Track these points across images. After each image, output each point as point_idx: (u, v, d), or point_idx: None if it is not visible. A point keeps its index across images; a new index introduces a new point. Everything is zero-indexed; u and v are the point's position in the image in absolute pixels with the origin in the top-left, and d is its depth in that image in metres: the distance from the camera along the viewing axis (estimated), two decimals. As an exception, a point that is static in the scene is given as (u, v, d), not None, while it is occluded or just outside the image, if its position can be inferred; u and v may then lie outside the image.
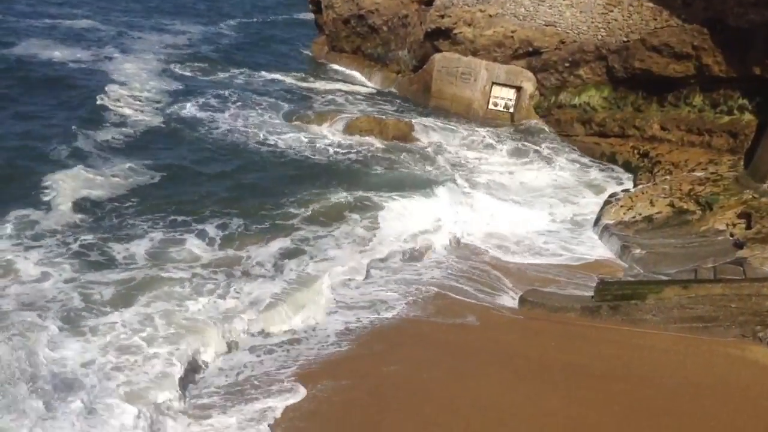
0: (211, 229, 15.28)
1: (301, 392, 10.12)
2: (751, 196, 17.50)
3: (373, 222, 16.79)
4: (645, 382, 10.82)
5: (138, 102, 25.56)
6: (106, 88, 26.05)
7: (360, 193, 18.41)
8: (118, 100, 25.07)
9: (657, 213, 18.51)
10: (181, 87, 28.81)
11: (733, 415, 9.98)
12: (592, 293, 13.89)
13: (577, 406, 9.99)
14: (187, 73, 31.97)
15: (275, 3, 63.84)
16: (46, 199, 15.83)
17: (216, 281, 13.04)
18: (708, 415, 9.95)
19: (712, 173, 19.93)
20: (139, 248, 14.02)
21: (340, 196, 17.97)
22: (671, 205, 18.63)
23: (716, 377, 11.16)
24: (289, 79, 32.63)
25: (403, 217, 17.40)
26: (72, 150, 19.23)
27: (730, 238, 16.20)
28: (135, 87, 27.46)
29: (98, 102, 24.27)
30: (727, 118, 21.52)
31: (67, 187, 16.46)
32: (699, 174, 20.17)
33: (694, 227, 17.43)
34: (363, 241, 15.82)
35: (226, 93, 27.90)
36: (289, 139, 23.27)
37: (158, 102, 26.07)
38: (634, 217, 18.69)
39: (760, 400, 10.44)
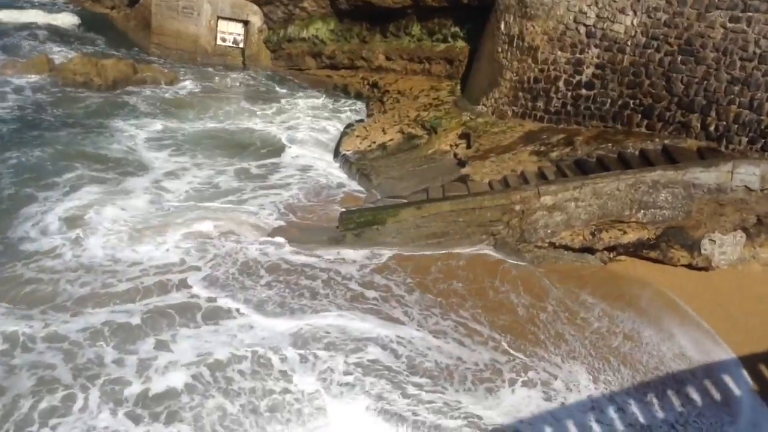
0: None
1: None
2: (468, 118, 19.00)
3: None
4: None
5: None
6: None
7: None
8: None
9: (389, 140, 19.33)
10: None
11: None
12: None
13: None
14: None
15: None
16: None
17: None
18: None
19: (435, 99, 21.21)
20: None
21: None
22: (401, 131, 19.56)
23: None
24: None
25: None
26: None
27: (454, 158, 17.53)
28: None
29: None
30: (443, 46, 22.95)
31: None
32: (423, 100, 21.38)
33: (422, 150, 18.54)
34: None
35: None
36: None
37: None
38: (369, 145, 19.32)
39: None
